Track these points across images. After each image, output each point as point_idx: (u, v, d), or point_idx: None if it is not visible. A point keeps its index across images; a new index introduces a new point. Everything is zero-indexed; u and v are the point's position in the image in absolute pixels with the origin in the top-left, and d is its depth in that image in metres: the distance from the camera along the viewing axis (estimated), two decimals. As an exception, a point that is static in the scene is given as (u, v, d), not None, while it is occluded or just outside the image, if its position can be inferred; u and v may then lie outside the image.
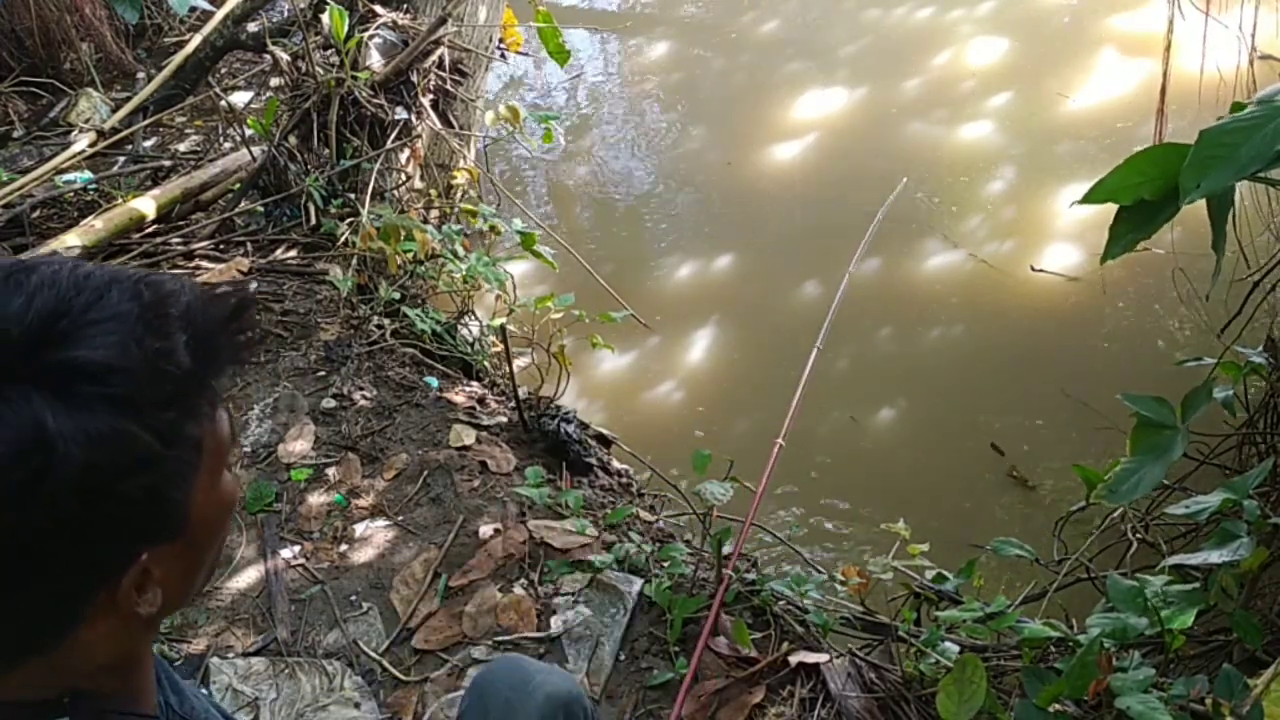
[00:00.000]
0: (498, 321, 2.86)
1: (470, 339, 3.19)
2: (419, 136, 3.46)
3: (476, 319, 3.29)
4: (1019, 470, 3.04)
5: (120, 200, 3.51)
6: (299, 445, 2.60)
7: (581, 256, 3.51)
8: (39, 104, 4.47)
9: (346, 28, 3.25)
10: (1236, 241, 2.81)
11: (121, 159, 4.02)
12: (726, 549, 2.12)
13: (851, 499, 3.04)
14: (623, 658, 2.08)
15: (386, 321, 3.03)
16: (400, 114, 3.39)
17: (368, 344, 2.92)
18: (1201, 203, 1.51)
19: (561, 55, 3.46)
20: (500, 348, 2.86)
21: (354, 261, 3.18)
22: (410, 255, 3.08)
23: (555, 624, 2.13)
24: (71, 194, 3.65)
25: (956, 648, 1.92)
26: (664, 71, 5.42)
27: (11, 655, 0.69)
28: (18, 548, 0.63)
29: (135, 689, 0.77)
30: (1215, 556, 1.67)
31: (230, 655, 2.10)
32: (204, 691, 1.97)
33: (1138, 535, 2.48)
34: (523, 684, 1.32)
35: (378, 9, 3.52)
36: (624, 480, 2.74)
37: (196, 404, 0.70)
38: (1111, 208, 1.61)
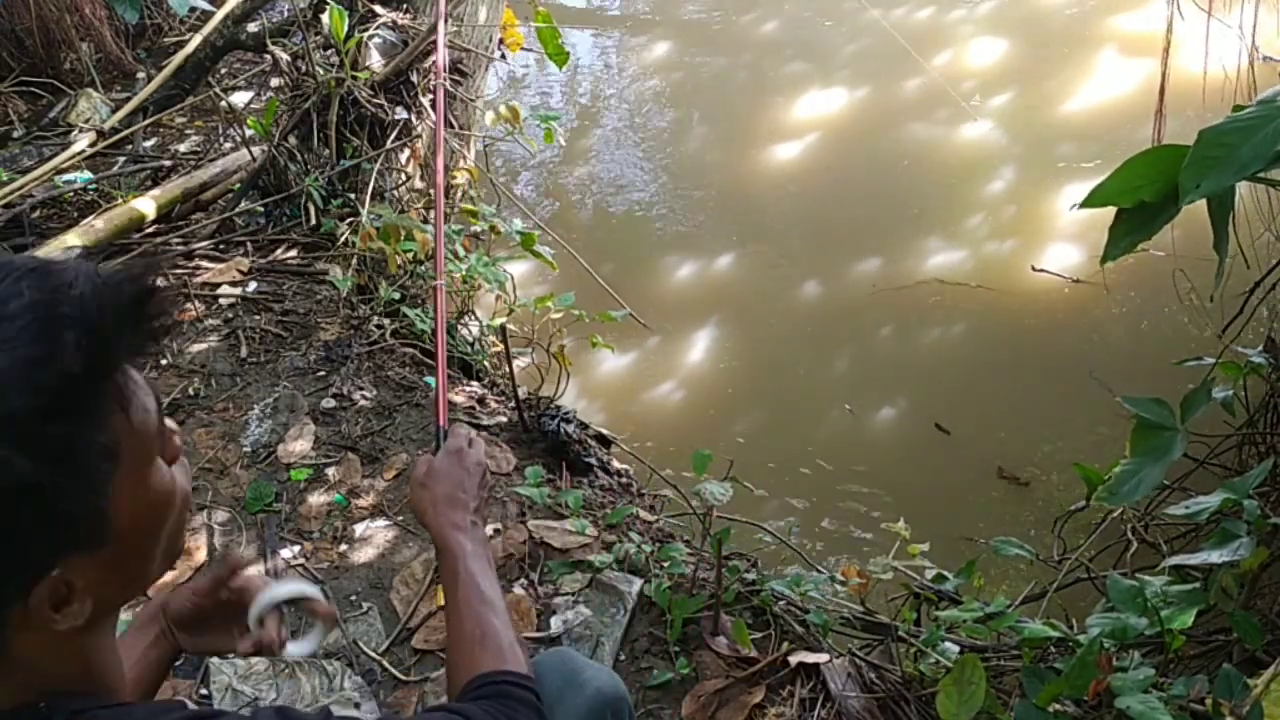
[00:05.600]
0: (498, 321, 2.86)
1: (470, 339, 3.19)
2: (419, 136, 3.46)
3: (476, 319, 3.29)
4: (1006, 469, 3.06)
5: (120, 200, 3.51)
6: (299, 445, 2.60)
7: (581, 256, 3.51)
8: (39, 104, 4.47)
9: (346, 28, 3.25)
10: (1237, 242, 2.81)
11: (121, 159, 4.02)
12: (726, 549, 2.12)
13: (851, 499, 3.04)
14: (623, 658, 2.08)
15: (386, 321, 3.03)
16: (400, 114, 3.39)
17: (368, 344, 2.92)
18: (1202, 204, 1.51)
19: (561, 57, 3.45)
20: (500, 348, 2.86)
21: (354, 261, 3.18)
22: (410, 255, 3.08)
23: (555, 624, 2.13)
24: (71, 194, 3.65)
25: (956, 648, 1.93)
26: (664, 72, 5.42)
27: None
28: None
29: (105, 687, 0.76)
30: (1215, 556, 1.67)
31: (230, 655, 2.10)
32: (204, 692, 1.98)
33: (1138, 535, 2.48)
34: (574, 675, 1.30)
35: (378, 9, 3.51)
36: (624, 480, 2.74)
37: (94, 408, 0.64)
38: (1113, 208, 1.61)
